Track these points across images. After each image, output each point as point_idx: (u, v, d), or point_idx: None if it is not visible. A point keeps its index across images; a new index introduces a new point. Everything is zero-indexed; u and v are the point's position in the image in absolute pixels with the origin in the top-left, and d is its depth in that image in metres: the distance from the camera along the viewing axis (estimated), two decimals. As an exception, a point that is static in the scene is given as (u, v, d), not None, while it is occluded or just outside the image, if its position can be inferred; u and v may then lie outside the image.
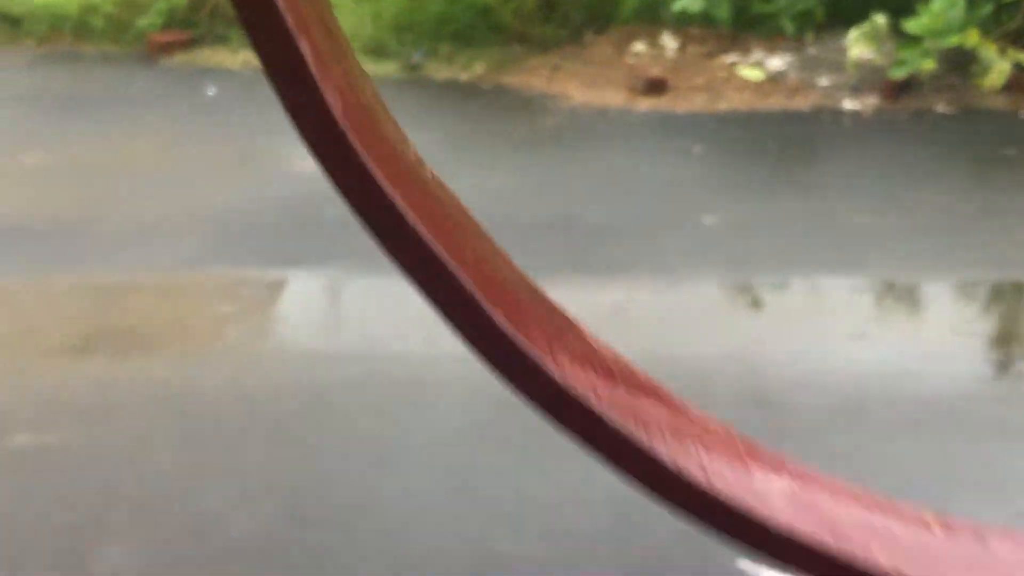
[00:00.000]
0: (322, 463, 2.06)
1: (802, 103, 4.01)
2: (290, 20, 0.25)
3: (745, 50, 4.38)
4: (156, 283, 2.65)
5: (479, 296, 0.24)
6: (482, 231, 0.25)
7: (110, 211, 3.00)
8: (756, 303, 2.68)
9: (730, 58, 4.35)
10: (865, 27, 4.11)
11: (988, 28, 4.01)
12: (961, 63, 4.02)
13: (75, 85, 4.10)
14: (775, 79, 4.18)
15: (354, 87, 0.26)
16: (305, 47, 0.25)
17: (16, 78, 4.05)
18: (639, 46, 4.44)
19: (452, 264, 0.23)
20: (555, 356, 0.24)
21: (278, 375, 2.31)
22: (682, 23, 4.48)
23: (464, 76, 4.37)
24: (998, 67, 3.89)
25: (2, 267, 2.72)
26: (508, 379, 0.26)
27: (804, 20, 4.39)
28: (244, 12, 0.26)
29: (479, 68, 4.39)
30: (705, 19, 4.43)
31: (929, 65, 3.93)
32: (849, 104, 3.97)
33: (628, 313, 2.59)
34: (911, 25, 3.99)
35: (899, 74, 3.98)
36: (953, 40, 3.93)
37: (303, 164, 3.43)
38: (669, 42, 4.43)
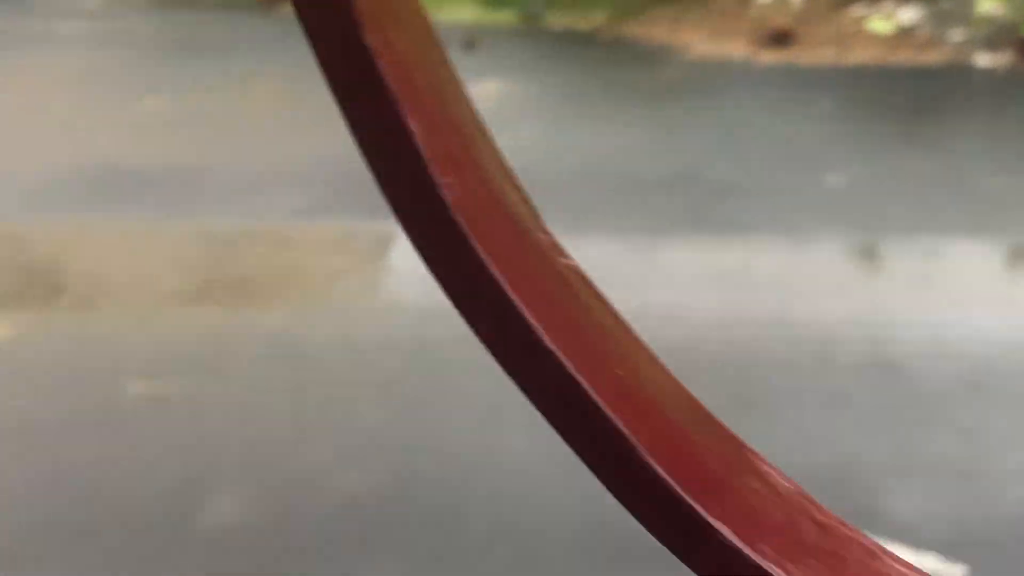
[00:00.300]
0: (432, 420, 2.05)
1: (932, 58, 3.88)
2: (395, 88, 0.21)
3: (874, 1, 4.25)
4: (270, 233, 2.65)
5: (640, 448, 0.19)
6: (631, 334, 0.20)
7: (226, 158, 3.01)
8: (882, 266, 2.60)
9: (859, 10, 4.22)
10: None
11: None
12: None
13: (193, 31, 4.12)
14: (905, 33, 4.05)
15: (475, 162, 0.22)
16: (414, 124, 0.21)
17: (135, 23, 4.08)
18: (764, -3, 4.34)
19: (602, 405, 0.19)
20: (755, 543, 0.20)
21: (389, 329, 2.29)
22: (809, -26, 4.36)
23: (583, 26, 4.31)
24: None
25: (119, 212, 2.74)
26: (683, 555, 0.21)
27: (937, -28, 4.25)
28: (335, 72, 0.22)
29: (599, 18, 4.32)
30: (833, -30, 4.31)
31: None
32: (982, 61, 3.83)
33: (749, 274, 2.53)
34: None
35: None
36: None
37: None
38: (795, -7, 4.32)
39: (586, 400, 0.20)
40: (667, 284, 2.49)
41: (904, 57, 3.91)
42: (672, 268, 2.58)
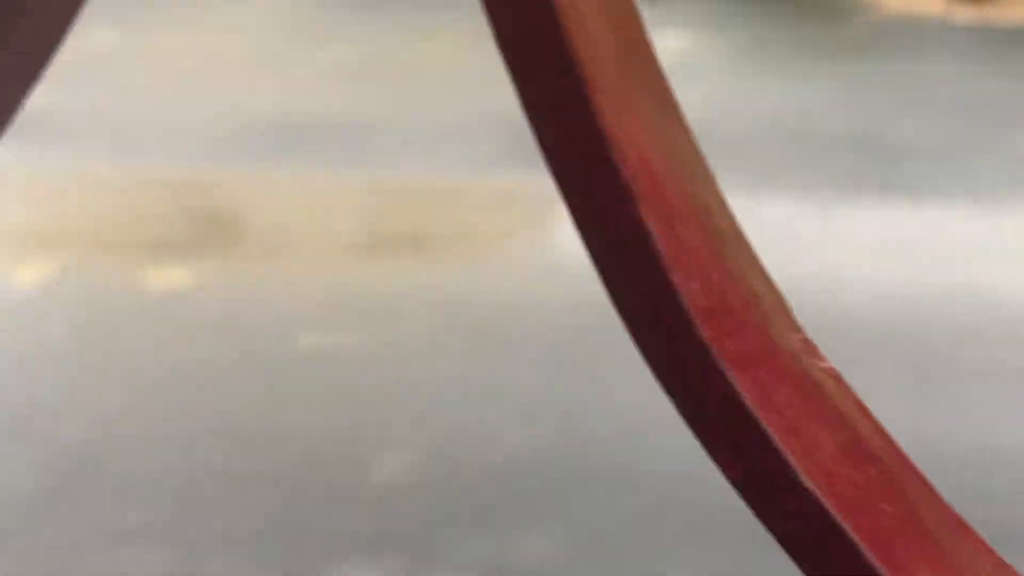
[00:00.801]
0: (600, 384, 2.02)
1: None
2: (632, 181, 0.18)
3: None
4: (445, 187, 2.65)
5: None
6: (899, 453, 0.17)
7: (404, 110, 3.02)
8: (1080, 238, 2.48)
9: (1063, -35, 4.02)
10: None
11: None
12: None
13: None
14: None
15: (720, 262, 0.19)
16: (652, 221, 0.18)
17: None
18: (961, -50, 4.16)
19: (867, 554, 0.16)
20: None
21: (562, 288, 2.27)
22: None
23: (769, -21, 4.20)
24: None
25: (298, 163, 2.76)
26: None
27: None
28: (562, 157, 0.20)
29: (786, -29, 4.20)
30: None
31: None
32: None
33: (936, 240, 2.43)
34: None
35: None
36: None
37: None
38: (995, -54, 4.13)
39: (850, 549, 0.16)
40: (847, 248, 2.42)
41: (1111, 15, 3.72)
42: (853, 232, 2.50)
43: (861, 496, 0.17)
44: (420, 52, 3.67)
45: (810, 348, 0.19)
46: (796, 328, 0.20)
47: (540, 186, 2.42)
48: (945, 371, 2.01)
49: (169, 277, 2.27)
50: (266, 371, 2.05)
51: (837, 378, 0.19)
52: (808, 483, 0.17)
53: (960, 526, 0.18)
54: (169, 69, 3.19)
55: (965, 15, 3.89)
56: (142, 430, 1.95)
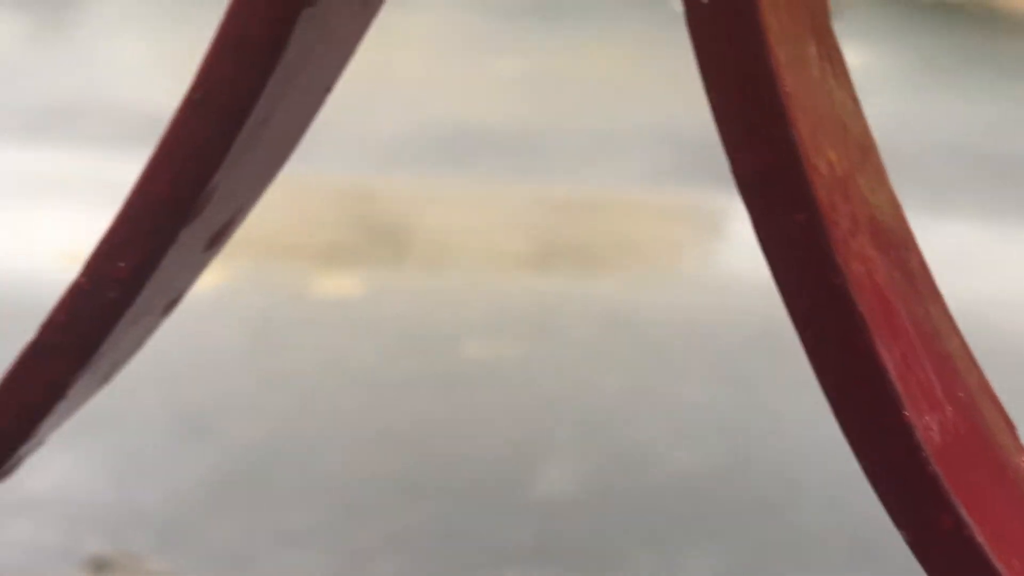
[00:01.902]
0: (768, 404, 1.99)
1: None
2: (867, 314, 0.17)
3: None
4: (613, 199, 2.64)
5: None
6: None
7: (574, 122, 3.02)
8: None
9: None
10: None
11: None
12: None
13: (548, -6, 4.15)
14: None
15: (954, 393, 0.18)
16: (887, 356, 0.17)
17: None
18: None
19: None
20: None
21: (730, 305, 2.24)
22: None
23: (950, -7, 4.10)
24: None
25: (466, 173, 2.78)
26: None
27: None
28: (798, 292, 0.19)
29: (967, -15, 4.10)
30: None
31: None
32: None
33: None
34: None
35: None
36: None
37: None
38: None
39: None
40: (1029, 272, 2.34)
41: None
42: (1035, 255, 2.42)
43: None
44: (589, 62, 3.67)
45: None
46: (1022, 450, 0.19)
47: (709, 200, 2.40)
48: None
49: (338, 284, 2.30)
50: (431, 379, 2.06)
51: None
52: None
53: None
54: (340, 79, 3.24)
55: None
56: (309, 434, 1.98)
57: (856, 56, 3.41)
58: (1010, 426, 0.19)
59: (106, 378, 0.29)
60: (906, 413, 0.17)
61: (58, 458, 1.93)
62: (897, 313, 0.18)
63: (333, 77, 0.26)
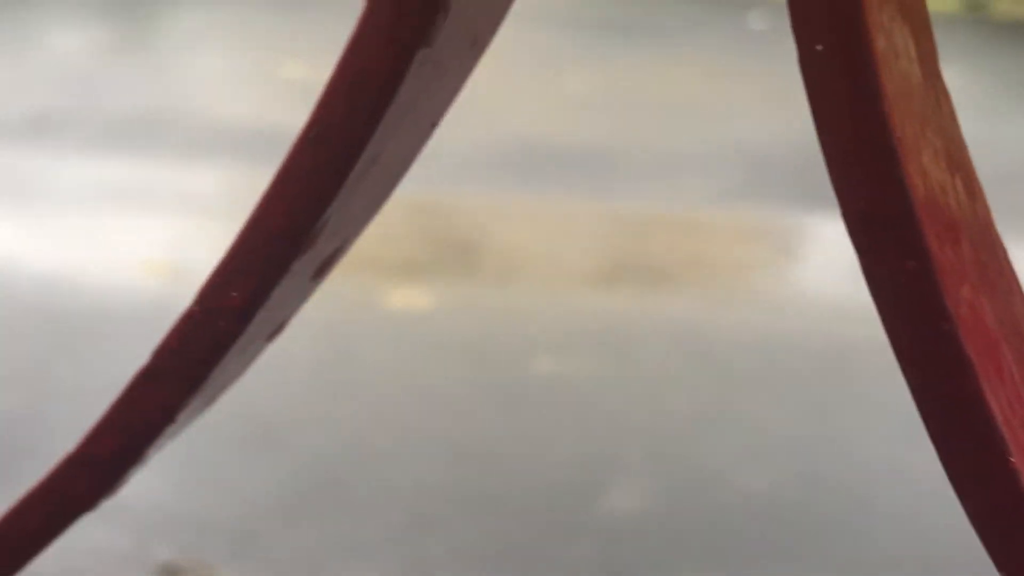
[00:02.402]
0: (839, 426, 1.98)
1: None
2: (976, 360, 0.17)
3: None
4: (682, 218, 2.63)
5: None
6: None
7: (643, 140, 3.02)
8: None
9: None
10: None
11: None
12: None
13: (619, 10, 4.16)
14: None
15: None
16: (995, 404, 0.18)
17: (565, 3, 4.15)
18: None
19: None
20: None
21: (799, 326, 2.23)
22: None
23: (1029, 15, 4.06)
24: None
25: (536, 190, 2.79)
26: None
27: None
28: (907, 337, 0.19)
29: (1046, 6, 4.05)
30: None
31: None
32: None
33: None
34: None
35: None
36: None
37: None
38: None
39: None
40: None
41: None
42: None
43: None
44: (660, 80, 3.67)
45: None
46: None
47: (780, 220, 2.39)
48: None
49: (408, 298, 2.32)
50: (500, 393, 2.07)
51: None
52: None
53: None
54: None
55: None
56: (379, 446, 1.99)
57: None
58: None
59: (210, 402, 0.31)
60: (1012, 459, 0.17)
61: (131, 464, 1.96)
62: (1004, 358, 0.19)
63: (441, 112, 0.27)
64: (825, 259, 2.48)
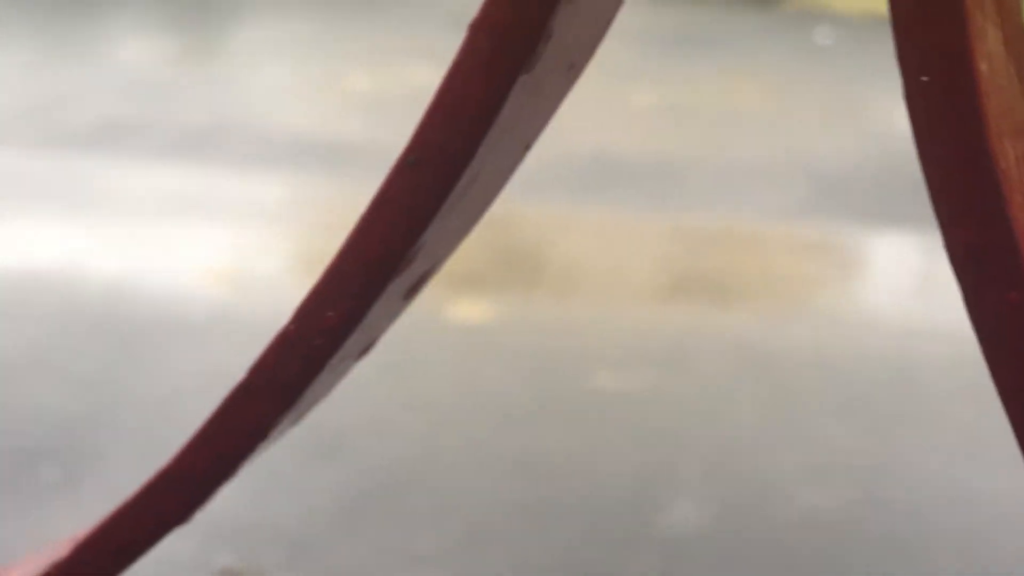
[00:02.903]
0: (902, 446, 1.96)
1: None
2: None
3: None
4: (747, 233, 2.62)
5: None
6: None
7: (709, 154, 3.01)
8: None
9: None
10: None
11: None
12: None
13: (688, 24, 4.15)
14: None
15: None
16: None
17: (631, 16, 4.15)
18: None
19: None
20: None
21: (863, 343, 2.22)
22: None
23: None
24: None
25: (601, 203, 2.79)
26: None
27: None
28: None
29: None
30: None
31: None
32: None
33: None
34: None
35: None
36: None
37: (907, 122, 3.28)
38: None
39: None
40: None
41: None
42: None
43: None
44: (727, 94, 3.66)
45: None
46: None
47: (846, 237, 2.37)
48: None
49: (470, 310, 2.33)
50: (560, 406, 2.07)
51: None
52: None
53: None
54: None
55: None
56: (440, 458, 2.00)
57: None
58: None
59: (300, 418, 0.31)
60: None
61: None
62: None
63: (536, 135, 0.28)
64: (889, 276, 2.47)
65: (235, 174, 2.90)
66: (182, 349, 2.24)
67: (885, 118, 3.16)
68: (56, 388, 2.14)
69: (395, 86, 3.36)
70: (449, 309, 2.35)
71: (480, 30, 0.25)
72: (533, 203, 2.73)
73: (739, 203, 2.74)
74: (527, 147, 0.28)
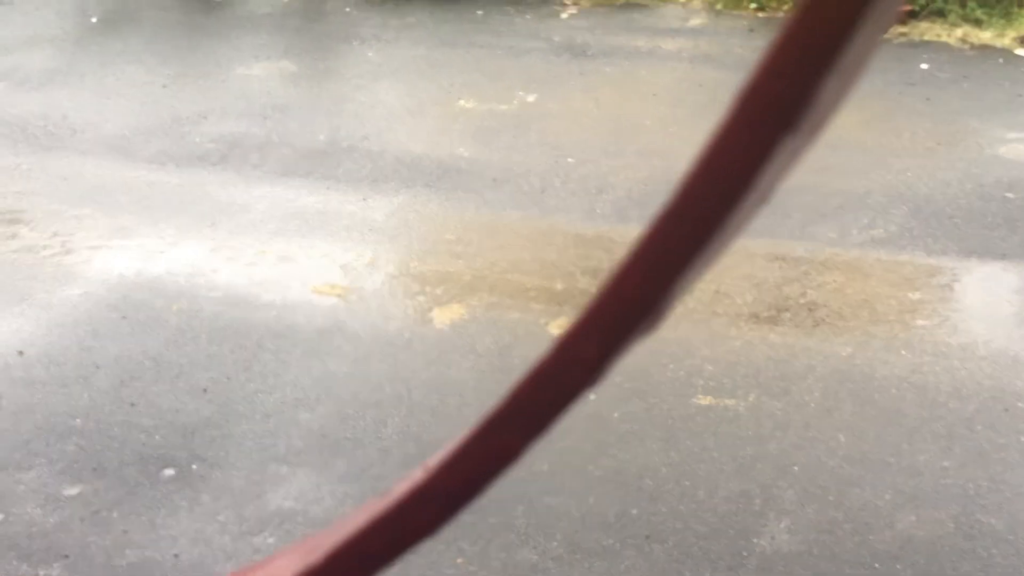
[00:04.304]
0: (1000, 472, 1.96)
1: None
2: None
3: None
4: (846, 260, 2.63)
5: None
6: None
7: (809, 182, 3.01)
8: None
9: None
10: None
11: None
12: None
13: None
14: None
15: None
16: None
17: (734, 43, 4.14)
18: None
19: None
20: None
21: (961, 372, 2.21)
22: None
23: None
24: None
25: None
26: None
27: None
28: None
29: None
30: None
31: None
32: None
33: None
34: None
35: None
36: None
37: (1009, 149, 3.25)
38: None
39: None
40: None
41: None
42: None
43: None
44: (831, 126, 3.62)
45: None
46: None
47: (945, 267, 2.37)
48: None
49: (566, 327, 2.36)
50: (662, 426, 2.09)
51: None
52: None
53: None
54: (582, 129, 3.31)
55: None
56: (537, 472, 2.03)
57: None
58: None
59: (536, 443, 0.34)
60: None
61: (302, 478, 2.03)
62: None
63: (776, 189, 0.31)
64: (987, 305, 2.46)
65: (351, 191, 2.95)
66: (297, 359, 2.30)
67: (985, 147, 3.13)
68: (178, 395, 2.20)
69: (497, 114, 3.40)
70: (550, 324, 2.39)
71: (755, 91, 0.28)
72: (631, 225, 2.76)
73: (838, 231, 2.73)
74: (765, 201, 0.31)
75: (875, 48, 0.29)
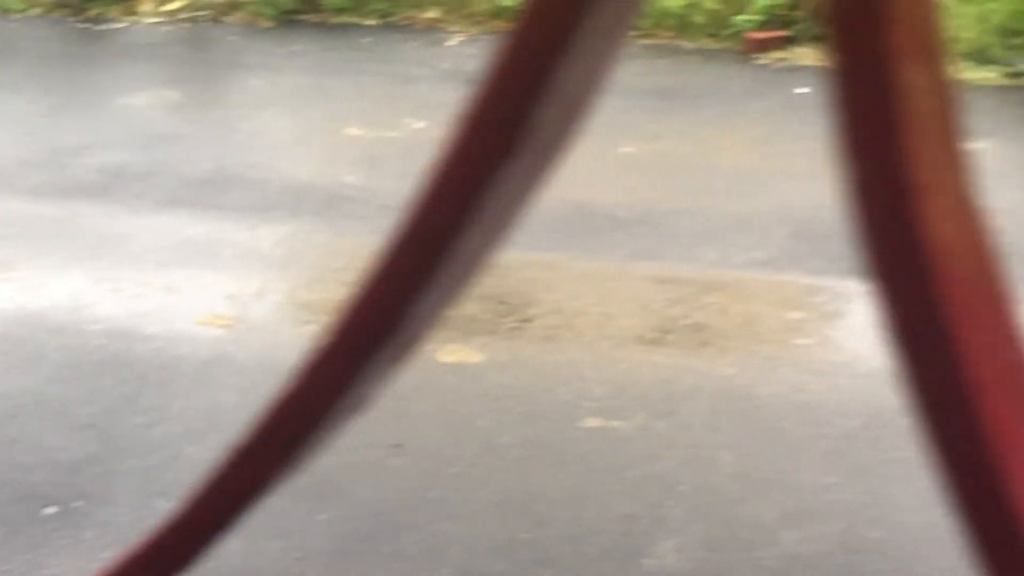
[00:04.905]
0: (882, 486, 1.99)
1: None
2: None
3: None
4: (729, 282, 2.66)
5: None
6: None
7: (693, 205, 3.05)
8: None
9: None
10: None
11: None
12: None
13: (671, 79, 4.19)
14: None
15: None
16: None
17: (619, 71, 4.17)
18: None
19: None
20: None
21: (843, 390, 2.25)
22: None
23: (1073, 85, 4.08)
24: None
25: (589, 252, 2.83)
26: None
27: None
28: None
29: (1091, 77, 4.08)
30: None
31: None
32: None
33: None
34: None
35: None
36: None
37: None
38: None
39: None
40: None
41: None
42: None
43: None
44: (709, 147, 3.69)
45: None
46: None
47: (825, 286, 2.39)
48: None
49: (461, 352, 2.36)
50: (549, 448, 2.10)
51: None
52: None
53: None
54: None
55: None
56: (431, 497, 2.03)
57: (978, 148, 3.38)
58: None
59: (297, 472, 0.34)
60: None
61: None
62: (1006, 395, 0.23)
63: (516, 216, 0.32)
64: (867, 324, 2.50)
65: (235, 220, 2.94)
66: (183, 391, 2.28)
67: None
68: (60, 431, 2.17)
69: (387, 141, 3.41)
70: (440, 352, 2.39)
71: (469, 124, 0.28)
72: (523, 252, 2.76)
73: (721, 253, 2.77)
74: (508, 226, 0.32)
75: (606, 70, 0.30)
